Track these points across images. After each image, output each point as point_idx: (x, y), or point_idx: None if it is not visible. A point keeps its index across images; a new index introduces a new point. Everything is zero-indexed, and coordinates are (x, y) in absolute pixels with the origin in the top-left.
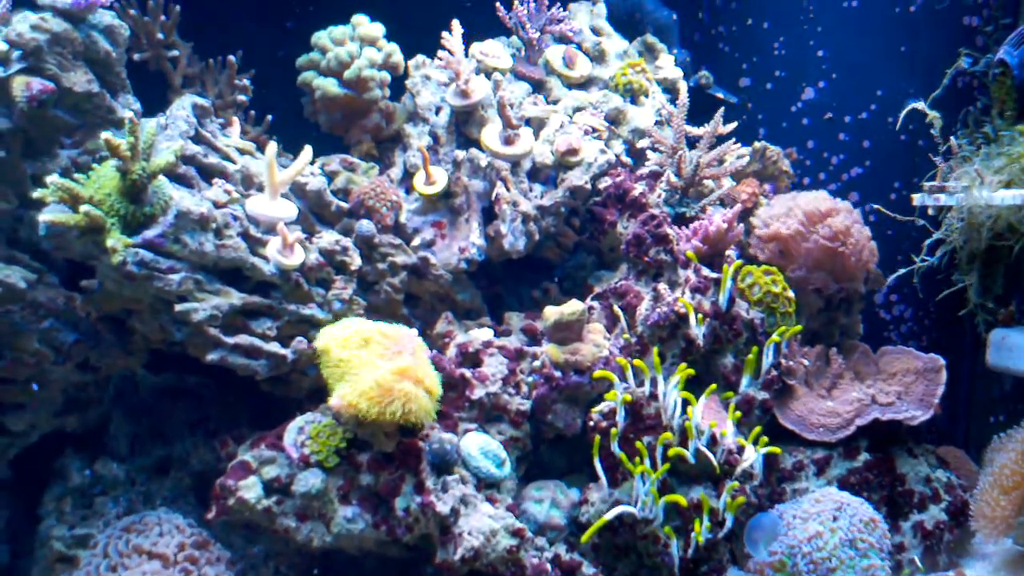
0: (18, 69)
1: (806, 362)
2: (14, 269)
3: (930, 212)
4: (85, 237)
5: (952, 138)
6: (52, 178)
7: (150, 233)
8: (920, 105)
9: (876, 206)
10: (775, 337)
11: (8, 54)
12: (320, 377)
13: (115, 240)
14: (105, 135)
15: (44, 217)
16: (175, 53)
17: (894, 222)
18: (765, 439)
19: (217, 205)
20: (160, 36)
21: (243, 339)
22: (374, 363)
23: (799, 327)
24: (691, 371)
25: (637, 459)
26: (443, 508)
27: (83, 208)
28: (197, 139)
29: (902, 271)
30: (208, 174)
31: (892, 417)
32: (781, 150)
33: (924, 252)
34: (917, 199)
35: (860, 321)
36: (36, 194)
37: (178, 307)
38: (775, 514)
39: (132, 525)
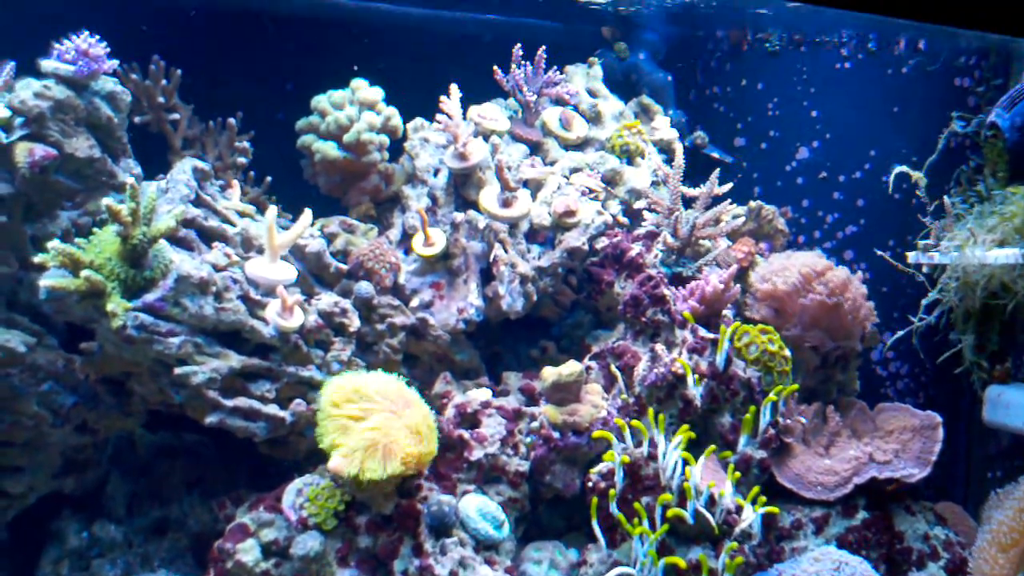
0: (21, 136)
1: (803, 420)
2: (14, 333)
3: (924, 270)
4: (85, 301)
5: (946, 197)
6: (53, 243)
7: (150, 297)
8: (905, 168)
9: (881, 253)
10: (772, 396)
11: (11, 121)
12: (317, 438)
13: (115, 304)
14: (107, 201)
15: (45, 282)
16: (176, 116)
17: (888, 279)
18: (763, 499)
19: (217, 268)
20: (161, 99)
21: (242, 401)
22: (372, 422)
23: (796, 386)
24: (692, 434)
25: (636, 520)
26: (442, 571)
27: (84, 273)
28: (197, 202)
29: (900, 333)
30: (208, 237)
31: (889, 475)
32: (776, 209)
33: (921, 311)
34: (912, 257)
35: (857, 378)
36: (37, 259)
37: (177, 370)
38: (774, 574)
39: None
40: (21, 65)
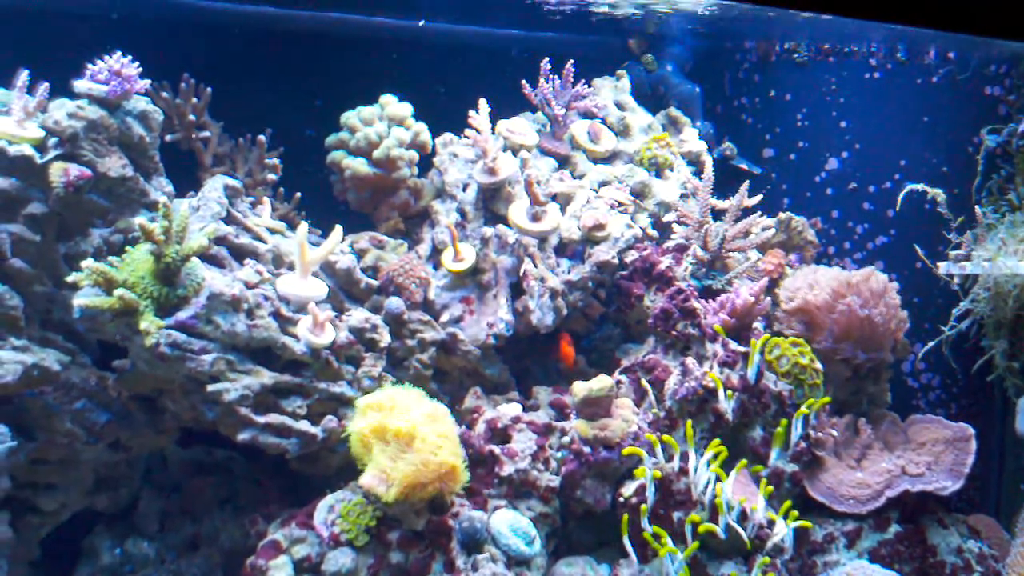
0: (55, 156)
1: (835, 433)
2: (48, 351)
3: (956, 281)
4: (119, 320)
5: (977, 207)
6: (87, 262)
7: (183, 315)
8: (921, 186)
9: (922, 255)
10: (804, 409)
11: (45, 141)
12: (349, 454)
13: (148, 322)
14: (140, 220)
15: (79, 301)
16: (206, 134)
17: (919, 290)
18: (795, 513)
19: (248, 285)
20: (192, 117)
21: (274, 418)
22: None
23: (827, 399)
24: (724, 449)
25: (666, 537)
26: None
27: (117, 291)
28: (228, 220)
29: (931, 344)
30: (240, 254)
31: (922, 488)
32: (806, 220)
33: (952, 320)
34: (943, 268)
35: (888, 390)
36: (71, 278)
37: (210, 387)
38: None
39: None
40: (54, 86)
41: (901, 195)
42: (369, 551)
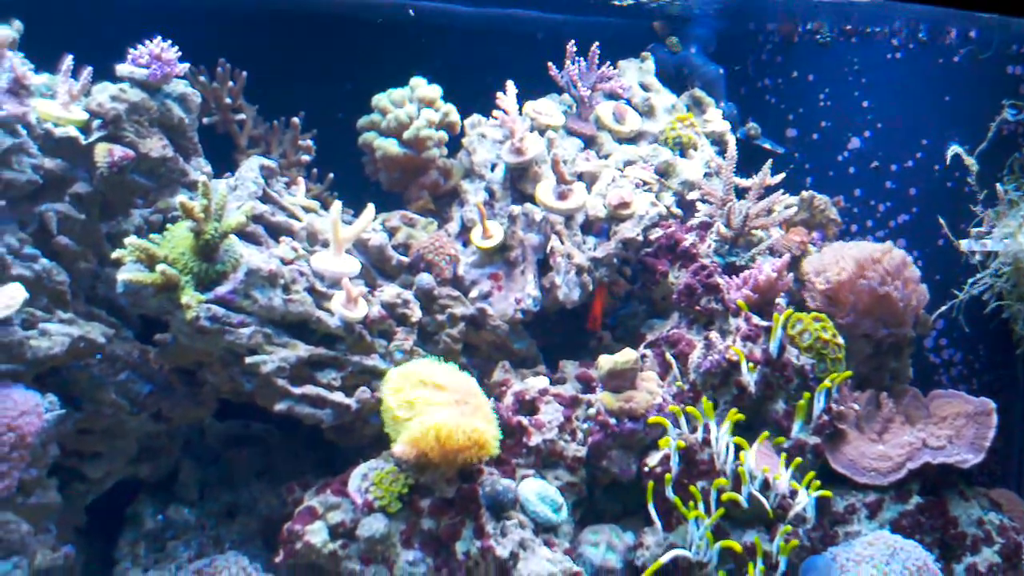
0: (99, 137)
1: (856, 407)
2: (94, 325)
3: (977, 258)
4: (160, 294)
5: (998, 184)
6: (130, 239)
7: (222, 289)
8: (960, 151)
9: (945, 229)
10: (826, 383)
11: (89, 123)
12: (382, 426)
13: (189, 297)
14: (180, 198)
15: (123, 276)
16: (241, 116)
17: (941, 268)
18: (817, 483)
19: (285, 262)
20: (228, 101)
21: (309, 389)
22: (434, 409)
23: (849, 372)
24: (740, 416)
25: (691, 503)
26: (502, 552)
27: (159, 267)
28: (264, 199)
29: (947, 305)
30: (275, 232)
31: (943, 460)
32: (828, 199)
33: (967, 287)
34: (964, 245)
35: (910, 365)
36: (115, 254)
37: (248, 359)
38: (828, 557)
39: (203, 569)
40: (97, 71)
41: (948, 154)
42: (401, 517)
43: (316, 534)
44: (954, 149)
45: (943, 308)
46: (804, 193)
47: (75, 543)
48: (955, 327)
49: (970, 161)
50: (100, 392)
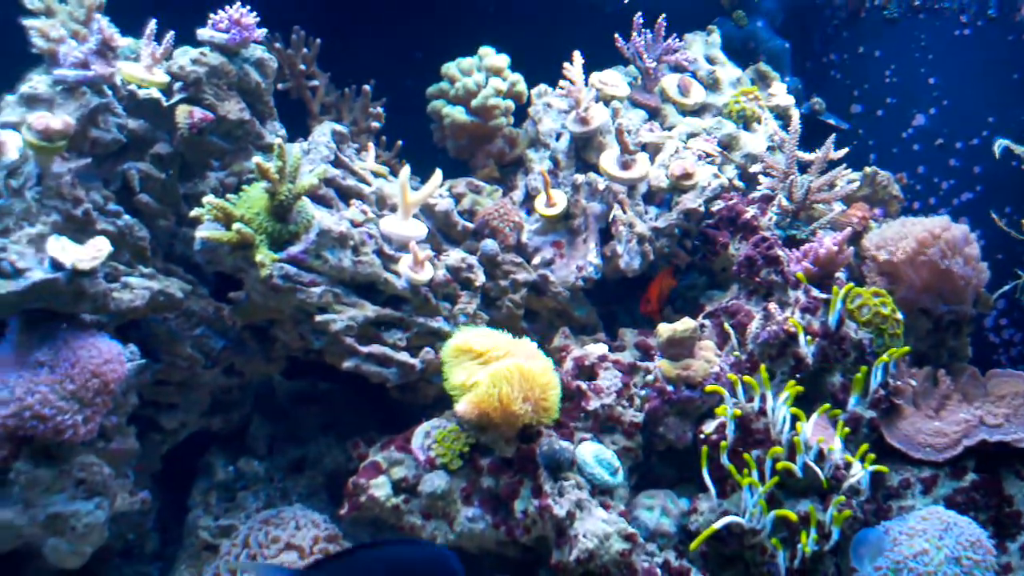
0: (180, 99)
1: (913, 383)
2: (172, 280)
3: None
4: (236, 252)
5: None
6: (208, 198)
7: (294, 249)
8: (1008, 143)
9: (1009, 212)
10: (884, 357)
11: (171, 85)
12: (444, 385)
13: (263, 255)
14: (256, 159)
15: (200, 233)
16: (315, 83)
17: (1004, 247)
18: (872, 456)
19: (354, 224)
20: (302, 67)
21: (376, 348)
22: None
23: (907, 348)
24: (800, 388)
25: (745, 471)
26: (559, 511)
27: (235, 226)
28: (336, 163)
29: (1009, 285)
30: (346, 195)
31: (1000, 439)
32: (891, 175)
33: None
34: None
35: (969, 344)
36: (193, 213)
37: (318, 317)
38: (881, 530)
39: (271, 519)
40: (179, 35)
41: (998, 147)
42: (462, 475)
43: (380, 488)
44: (1000, 143)
45: (1005, 288)
46: (867, 169)
47: (151, 490)
48: (1016, 308)
49: (1021, 150)
50: (177, 345)
